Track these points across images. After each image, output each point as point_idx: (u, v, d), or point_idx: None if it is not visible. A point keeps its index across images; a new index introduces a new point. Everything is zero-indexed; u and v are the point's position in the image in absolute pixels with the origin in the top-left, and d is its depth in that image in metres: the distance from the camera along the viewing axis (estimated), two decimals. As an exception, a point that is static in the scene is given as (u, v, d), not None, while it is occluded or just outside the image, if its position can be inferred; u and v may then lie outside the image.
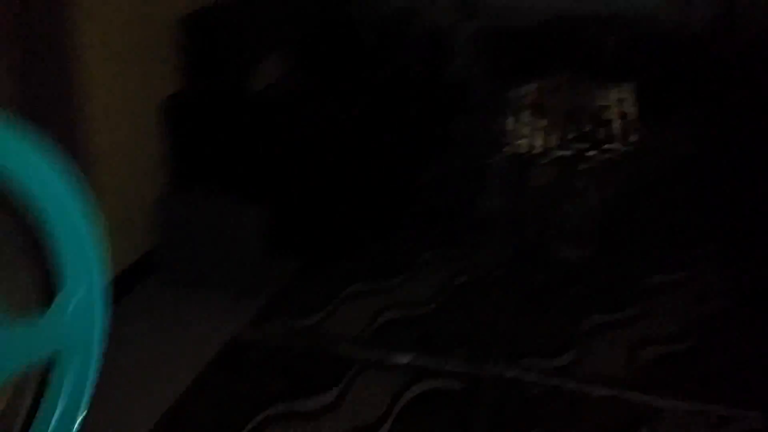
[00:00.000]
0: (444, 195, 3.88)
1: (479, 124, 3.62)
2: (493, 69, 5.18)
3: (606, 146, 3.16)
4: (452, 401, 2.40)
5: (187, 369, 2.52)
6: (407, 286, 3.05)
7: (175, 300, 2.96)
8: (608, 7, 4.85)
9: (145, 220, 3.08)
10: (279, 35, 3.63)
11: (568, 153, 3.21)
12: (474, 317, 2.86)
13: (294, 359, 2.62)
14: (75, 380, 0.69)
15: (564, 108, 3.34)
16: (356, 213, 3.42)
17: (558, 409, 2.37)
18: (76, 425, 0.69)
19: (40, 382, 0.69)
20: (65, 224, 0.67)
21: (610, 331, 2.75)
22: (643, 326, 2.77)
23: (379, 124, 3.71)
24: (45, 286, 0.69)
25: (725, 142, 3.60)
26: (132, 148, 3.00)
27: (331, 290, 3.01)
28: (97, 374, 0.70)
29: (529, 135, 3.39)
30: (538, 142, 3.30)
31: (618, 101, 3.49)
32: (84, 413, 0.70)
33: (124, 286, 2.92)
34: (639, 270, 3.12)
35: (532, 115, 3.48)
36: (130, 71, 2.91)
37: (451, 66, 4.79)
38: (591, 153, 3.17)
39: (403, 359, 2.59)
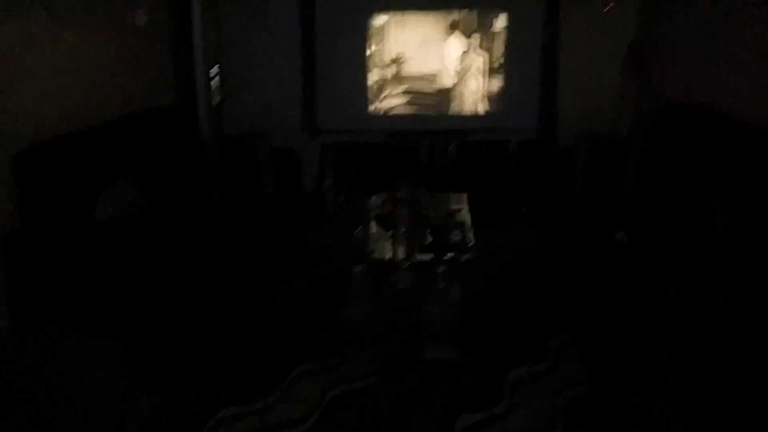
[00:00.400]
0: (308, 307, 3.86)
1: (336, 234, 3.69)
2: (343, 183, 5.40)
3: (456, 249, 3.34)
4: None
5: None
6: (280, 404, 2.94)
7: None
8: (443, 123, 5.29)
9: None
10: (123, 163, 3.57)
11: (424, 258, 3.36)
12: (350, 429, 2.79)
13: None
14: None
15: (411, 216, 3.53)
16: (219, 335, 3.31)
17: None
18: None
19: None
20: None
21: (482, 429, 2.80)
22: (510, 422, 2.84)
23: (234, 242, 3.68)
24: None
25: (566, 236, 3.95)
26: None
27: (201, 417, 2.84)
28: None
29: (383, 243, 3.53)
30: (394, 250, 3.44)
31: (458, 208, 3.77)
32: None
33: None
34: (504, 364, 3.24)
35: (383, 225, 3.64)
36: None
37: (302, 181, 4.92)
38: (445, 257, 3.34)
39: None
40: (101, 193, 3.28)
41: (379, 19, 5.15)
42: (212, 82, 5.16)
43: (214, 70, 5.17)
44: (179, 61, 4.72)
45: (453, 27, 5.12)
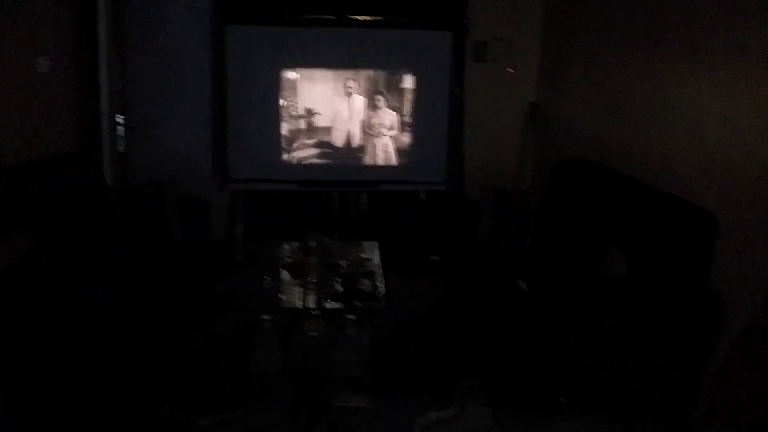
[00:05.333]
0: (215, 357, 3.76)
1: (245, 283, 3.65)
2: (254, 231, 5.36)
3: (366, 297, 3.38)
4: None
5: None
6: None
7: None
8: (355, 174, 5.39)
9: None
10: (19, 212, 3.42)
11: (334, 306, 3.37)
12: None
13: None
14: None
15: (322, 265, 3.55)
16: (119, 386, 3.16)
17: None
18: None
19: None
20: None
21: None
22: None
23: (139, 293, 3.57)
24: None
25: (472, 284, 4.06)
26: None
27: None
28: None
29: (293, 291, 3.52)
30: (304, 298, 3.43)
31: (369, 257, 3.82)
32: None
33: None
34: (413, 410, 3.25)
35: (293, 273, 3.64)
36: None
37: (211, 230, 4.85)
38: (354, 304, 3.36)
39: None
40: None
41: (291, 74, 5.25)
42: (118, 130, 5.07)
43: (120, 118, 5.09)
44: (84, 109, 4.61)
45: (363, 84, 5.30)
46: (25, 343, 2.79)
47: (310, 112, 5.32)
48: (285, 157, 5.34)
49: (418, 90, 5.30)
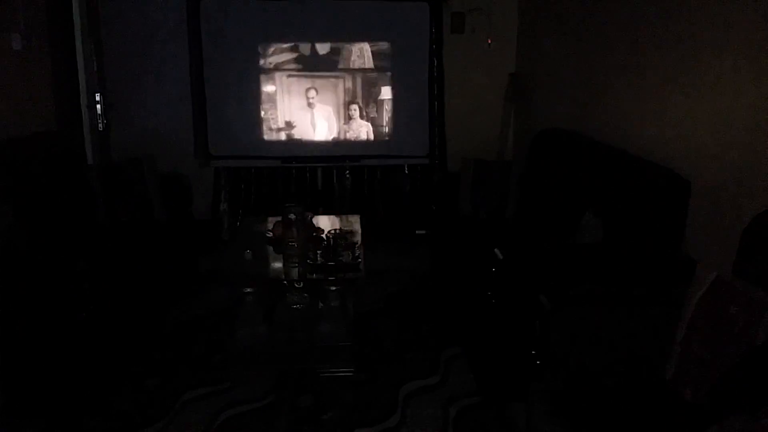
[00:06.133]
0: (200, 332, 3.80)
1: (229, 259, 3.67)
2: (238, 207, 5.37)
3: (347, 269, 3.41)
4: None
5: None
6: (170, 431, 2.86)
7: None
8: (338, 150, 5.40)
9: None
10: (2, 188, 3.41)
11: (317, 277, 3.40)
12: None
13: None
14: None
15: (303, 237, 3.57)
16: (105, 362, 3.19)
17: None
18: None
19: None
20: None
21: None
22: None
23: (122, 269, 3.59)
24: None
25: (454, 255, 4.12)
26: None
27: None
28: None
29: (275, 265, 3.55)
30: (285, 270, 3.46)
31: (350, 230, 3.85)
32: None
33: None
34: (397, 378, 3.31)
35: (275, 246, 3.66)
36: None
37: (195, 206, 4.86)
38: (335, 276, 3.39)
39: None
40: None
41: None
42: (97, 108, 5.03)
43: (99, 96, 5.05)
44: (60, 87, 4.57)
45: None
46: (5, 318, 2.81)
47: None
48: (266, 134, 5.34)
49: (398, 63, 5.30)
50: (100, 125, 5.06)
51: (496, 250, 3.27)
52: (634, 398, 2.32)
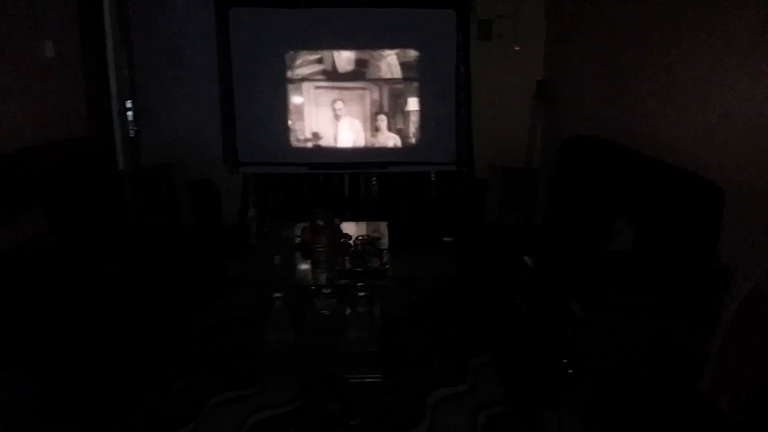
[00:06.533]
0: (229, 336, 3.82)
1: (258, 264, 3.69)
2: (266, 213, 5.40)
3: (375, 275, 3.41)
4: None
5: None
6: (199, 433, 2.89)
7: None
8: (365, 156, 5.41)
9: None
10: (31, 193, 3.47)
11: (343, 283, 3.41)
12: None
13: None
14: None
15: (331, 243, 3.58)
16: (136, 366, 3.22)
17: None
18: None
19: None
20: None
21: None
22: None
23: (151, 273, 3.62)
24: None
25: (482, 262, 4.09)
26: None
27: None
28: None
29: (303, 270, 3.56)
30: (314, 276, 3.47)
31: (378, 236, 3.85)
32: None
33: None
34: (425, 385, 3.30)
35: (303, 252, 3.68)
36: None
37: (223, 212, 4.90)
38: (363, 281, 3.39)
39: None
40: (5, 222, 3.15)
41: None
42: (128, 114, 5.11)
43: (130, 103, 5.13)
44: (92, 93, 4.65)
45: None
46: (37, 321, 2.84)
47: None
48: (294, 141, 5.37)
49: (424, 70, 5.30)
50: (131, 131, 5.13)
51: (526, 257, 3.25)
52: (667, 408, 2.28)
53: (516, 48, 5.30)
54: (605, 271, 3.07)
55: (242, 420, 2.98)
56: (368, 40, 5.23)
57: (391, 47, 5.25)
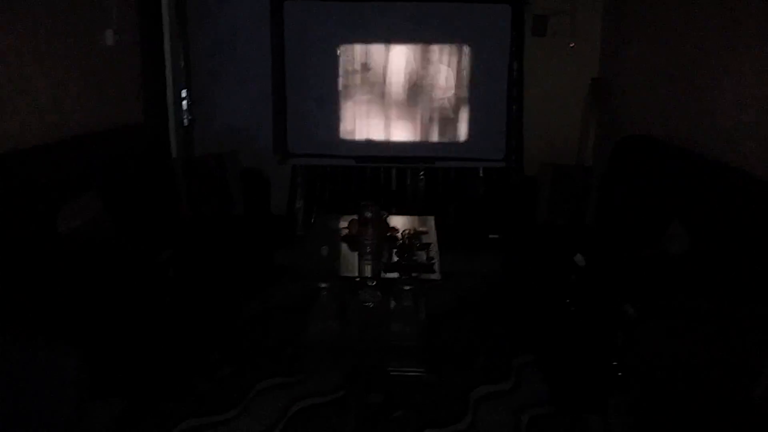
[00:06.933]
0: (274, 324, 3.87)
1: (304, 254, 3.71)
2: (313, 205, 5.44)
3: (422, 269, 3.39)
4: None
5: None
6: (243, 418, 2.92)
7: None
8: (413, 150, 5.41)
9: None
10: (88, 178, 3.56)
11: (390, 276, 3.40)
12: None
13: None
14: None
15: (378, 236, 3.57)
16: (184, 348, 3.28)
17: None
18: None
19: None
20: None
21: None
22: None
23: (202, 260, 3.68)
24: None
25: (530, 261, 4.03)
26: None
27: (162, 428, 2.83)
28: None
29: (350, 262, 3.57)
30: (360, 267, 3.47)
31: (425, 230, 3.83)
32: None
33: None
34: (467, 382, 3.27)
35: (350, 244, 3.68)
36: None
37: (271, 202, 4.95)
38: (410, 275, 3.38)
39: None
40: (64, 206, 3.24)
41: (347, 49, 5.28)
42: (183, 103, 5.21)
43: (185, 92, 5.22)
44: (149, 82, 4.75)
45: (421, 59, 5.28)
46: (92, 300, 2.92)
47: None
48: (343, 134, 5.39)
49: (477, 65, 5.25)
50: (185, 120, 5.23)
51: (578, 256, 3.19)
52: (719, 415, 2.21)
53: (571, 45, 5.21)
54: (660, 275, 3.00)
55: (287, 406, 3.01)
56: (421, 35, 5.22)
57: (444, 42, 5.21)
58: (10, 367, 2.67)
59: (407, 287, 3.47)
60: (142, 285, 2.99)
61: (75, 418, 2.70)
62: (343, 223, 3.94)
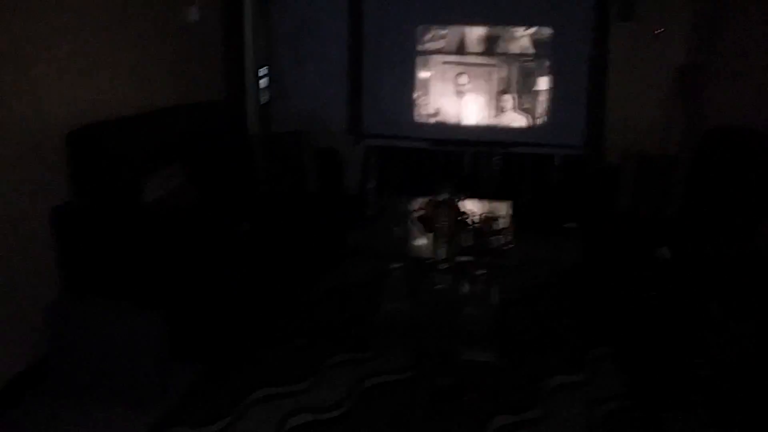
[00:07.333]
0: (347, 302, 3.89)
1: (376, 235, 3.71)
2: (386, 186, 5.44)
3: (496, 253, 3.33)
4: None
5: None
6: (315, 390, 2.95)
7: (67, 413, 2.74)
8: (488, 134, 5.32)
9: (34, 329, 2.91)
10: (172, 150, 3.65)
11: (464, 259, 3.35)
12: (383, 420, 2.79)
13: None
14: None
15: (453, 218, 3.53)
16: (260, 318, 3.35)
17: None
18: None
19: None
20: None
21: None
22: (544, 427, 2.79)
23: (278, 233, 3.73)
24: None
25: (609, 251, 3.91)
26: (21, 255, 2.85)
27: (236, 396, 2.88)
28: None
29: (423, 243, 3.54)
30: (434, 249, 3.44)
31: (501, 215, 3.76)
32: None
33: (11, 398, 2.75)
34: (540, 371, 3.21)
35: (424, 225, 3.65)
36: (18, 180, 2.81)
37: (345, 182, 4.97)
38: (484, 259, 3.33)
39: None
40: (149, 175, 3.34)
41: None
42: (261, 82, 5.28)
43: (263, 70, 5.29)
44: (230, 59, 4.82)
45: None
46: (175, 267, 3.01)
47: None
48: (417, 115, 5.35)
49: (557, 49, 5.10)
50: (263, 98, 5.30)
51: (663, 248, 3.06)
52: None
53: (658, 30, 4.98)
54: (753, 273, 2.85)
55: (358, 382, 3.03)
56: (502, 16, 5.11)
57: (526, 24, 5.09)
58: (102, 329, 2.80)
59: (480, 272, 3.42)
60: (222, 254, 3.04)
61: (157, 376, 2.82)
62: (415, 205, 3.91)
